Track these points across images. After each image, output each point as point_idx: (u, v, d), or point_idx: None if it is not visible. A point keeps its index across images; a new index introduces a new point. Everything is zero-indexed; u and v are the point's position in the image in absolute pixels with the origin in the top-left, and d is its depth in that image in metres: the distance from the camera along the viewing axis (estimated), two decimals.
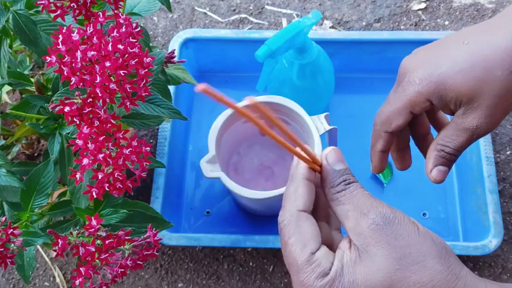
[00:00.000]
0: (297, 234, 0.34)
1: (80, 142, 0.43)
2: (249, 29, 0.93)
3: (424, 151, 0.49)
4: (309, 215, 0.35)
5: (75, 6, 0.45)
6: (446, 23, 0.92)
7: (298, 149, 0.35)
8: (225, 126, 0.68)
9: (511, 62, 0.40)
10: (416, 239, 0.32)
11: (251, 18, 0.94)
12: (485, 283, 0.32)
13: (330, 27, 0.93)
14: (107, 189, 0.44)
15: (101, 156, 0.43)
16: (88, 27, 0.42)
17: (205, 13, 0.96)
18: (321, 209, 0.39)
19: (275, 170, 0.78)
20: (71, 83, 0.42)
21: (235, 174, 0.77)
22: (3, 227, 0.45)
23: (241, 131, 0.73)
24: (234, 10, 0.96)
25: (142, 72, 0.43)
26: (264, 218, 0.77)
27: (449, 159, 0.45)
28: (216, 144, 0.66)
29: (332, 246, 0.36)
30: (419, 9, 0.94)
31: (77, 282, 0.43)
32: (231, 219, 0.78)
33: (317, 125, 0.66)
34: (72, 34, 0.42)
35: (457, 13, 0.93)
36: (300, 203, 0.35)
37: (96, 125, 0.43)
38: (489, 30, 0.42)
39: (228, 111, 0.68)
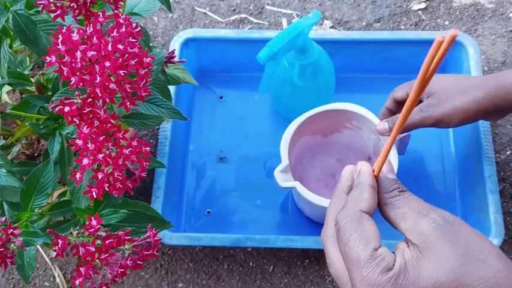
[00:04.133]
0: (360, 231, 0.34)
1: (80, 142, 0.43)
2: (249, 29, 0.93)
3: None
4: (371, 217, 0.36)
5: (75, 6, 0.45)
6: (446, 23, 0.92)
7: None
8: (295, 136, 0.68)
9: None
10: (476, 239, 0.33)
11: (251, 18, 0.94)
12: None
13: (330, 27, 0.93)
14: (106, 189, 0.44)
15: (101, 156, 0.43)
16: (88, 27, 0.42)
17: (205, 13, 0.96)
18: None
19: (338, 178, 0.77)
20: (71, 83, 0.42)
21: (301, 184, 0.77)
22: (3, 227, 0.45)
23: (305, 143, 0.73)
24: (234, 10, 0.96)
25: (142, 72, 0.43)
26: (264, 218, 0.77)
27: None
28: (289, 154, 0.66)
29: None
30: (419, 9, 0.94)
31: (77, 282, 0.43)
32: (232, 219, 0.78)
33: None
34: (72, 34, 0.42)
35: (457, 13, 0.93)
36: (363, 205, 0.36)
37: (96, 125, 0.43)
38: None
39: (298, 121, 0.68)
